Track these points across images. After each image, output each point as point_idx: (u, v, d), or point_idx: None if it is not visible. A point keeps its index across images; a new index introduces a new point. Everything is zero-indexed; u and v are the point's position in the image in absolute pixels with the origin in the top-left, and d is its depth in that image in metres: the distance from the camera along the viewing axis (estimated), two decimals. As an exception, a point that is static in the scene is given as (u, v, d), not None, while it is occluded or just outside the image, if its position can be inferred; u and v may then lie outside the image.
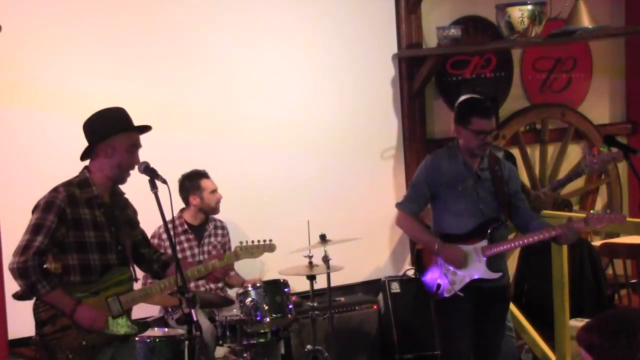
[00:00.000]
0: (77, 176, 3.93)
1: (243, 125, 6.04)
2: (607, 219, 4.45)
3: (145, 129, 4.01)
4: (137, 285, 4.08)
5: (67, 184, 3.87)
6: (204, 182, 5.53)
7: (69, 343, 3.76)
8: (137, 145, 3.96)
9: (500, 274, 4.57)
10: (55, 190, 3.85)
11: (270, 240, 4.40)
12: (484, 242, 4.53)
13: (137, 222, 4.15)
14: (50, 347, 3.77)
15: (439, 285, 4.56)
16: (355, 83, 6.43)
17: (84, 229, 3.83)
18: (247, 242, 4.31)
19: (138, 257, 4.14)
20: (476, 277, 4.52)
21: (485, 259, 4.52)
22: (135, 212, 4.14)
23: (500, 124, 6.74)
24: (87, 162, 3.95)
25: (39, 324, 3.79)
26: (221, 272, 4.18)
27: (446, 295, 4.54)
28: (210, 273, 4.14)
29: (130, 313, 4.01)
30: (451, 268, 4.54)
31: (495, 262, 4.56)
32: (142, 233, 4.19)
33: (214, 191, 5.57)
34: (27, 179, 5.18)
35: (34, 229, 3.75)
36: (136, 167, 3.92)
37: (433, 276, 4.60)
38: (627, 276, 5.87)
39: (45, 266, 3.78)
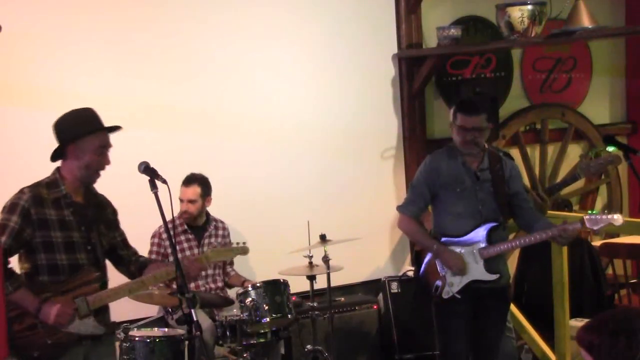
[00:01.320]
0: (47, 177, 3.95)
1: (242, 126, 6.04)
2: (604, 220, 4.44)
3: (115, 129, 3.99)
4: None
5: (35, 185, 3.89)
6: (181, 189, 5.52)
7: (35, 341, 3.78)
8: (106, 146, 3.96)
9: (498, 275, 4.56)
10: (20, 191, 3.87)
11: (244, 243, 4.45)
12: (482, 244, 4.53)
13: (117, 223, 4.16)
14: (18, 345, 3.77)
15: (437, 287, 4.56)
16: (355, 83, 6.43)
17: (50, 229, 3.84)
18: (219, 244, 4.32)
19: (116, 258, 4.15)
20: (474, 278, 4.53)
21: (482, 260, 4.52)
22: (115, 213, 4.15)
23: (500, 124, 6.75)
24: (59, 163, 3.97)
25: (8, 322, 3.73)
26: (194, 272, 4.15)
27: (445, 296, 4.55)
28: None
29: (109, 312, 4.02)
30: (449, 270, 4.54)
31: (493, 264, 4.56)
32: (122, 235, 4.19)
33: (183, 200, 5.51)
34: (26, 179, 5.17)
35: None
36: (105, 167, 3.95)
37: (432, 277, 4.60)
38: (627, 276, 5.86)
39: (9, 266, 3.79)
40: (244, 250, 4.45)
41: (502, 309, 4.78)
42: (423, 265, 4.66)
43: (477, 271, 4.53)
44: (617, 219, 4.45)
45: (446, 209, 4.61)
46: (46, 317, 3.76)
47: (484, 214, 4.56)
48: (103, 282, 4.02)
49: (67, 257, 3.87)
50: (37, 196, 3.84)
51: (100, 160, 3.94)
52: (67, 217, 3.89)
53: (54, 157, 3.97)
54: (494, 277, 4.54)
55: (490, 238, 4.53)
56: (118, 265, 4.19)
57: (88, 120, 3.93)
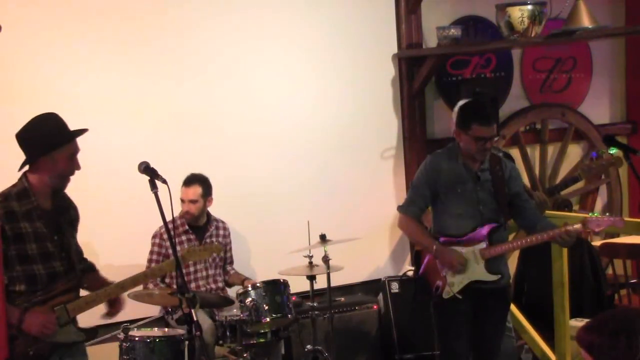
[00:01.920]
0: (14, 185, 3.86)
1: (242, 126, 6.04)
2: (605, 222, 4.45)
3: (82, 132, 3.92)
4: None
5: (5, 198, 3.80)
6: (182, 190, 5.53)
7: (16, 353, 3.71)
8: (77, 151, 3.90)
9: (499, 275, 4.57)
10: None
11: (222, 243, 4.68)
12: (483, 244, 4.53)
13: (77, 222, 4.08)
14: None
15: (437, 287, 4.56)
16: (355, 83, 6.43)
17: (25, 242, 3.78)
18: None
19: None
20: (475, 279, 4.53)
21: (484, 261, 4.52)
22: (76, 210, 4.06)
23: (500, 124, 6.74)
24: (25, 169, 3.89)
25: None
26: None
27: (445, 297, 4.55)
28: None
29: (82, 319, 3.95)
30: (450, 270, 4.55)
31: (494, 264, 4.56)
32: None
33: (184, 201, 5.52)
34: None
35: None
36: (75, 172, 3.88)
37: (432, 277, 4.60)
38: (627, 276, 5.86)
39: None
40: (217, 249, 4.58)
41: (502, 309, 4.78)
42: (423, 265, 4.66)
43: (478, 271, 4.53)
44: (619, 221, 4.47)
45: (446, 209, 4.61)
46: (30, 327, 3.72)
47: (485, 215, 4.56)
48: (80, 288, 3.98)
49: (43, 267, 3.81)
50: (9, 212, 3.76)
51: (72, 166, 3.88)
52: (40, 229, 3.83)
53: (21, 168, 3.89)
54: (495, 277, 4.55)
55: (491, 238, 4.53)
56: None
57: (58, 131, 3.86)
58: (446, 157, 4.64)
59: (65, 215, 3.97)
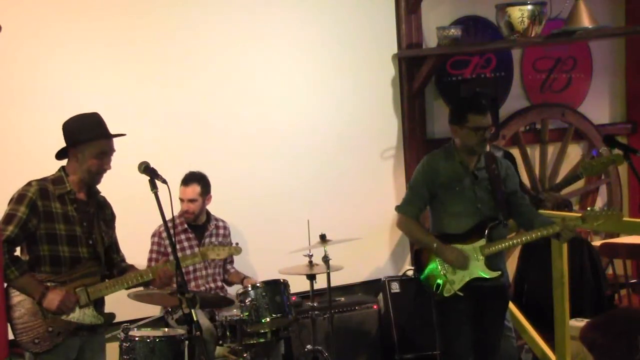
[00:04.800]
0: (52, 174, 4.11)
1: (242, 125, 6.04)
2: (603, 216, 4.51)
3: (118, 136, 4.16)
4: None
5: (42, 180, 4.07)
6: (180, 189, 5.53)
7: (35, 328, 3.92)
8: (107, 152, 4.11)
9: (500, 272, 4.58)
10: (28, 184, 4.05)
11: (237, 244, 4.64)
12: (483, 242, 4.54)
13: (114, 226, 4.31)
14: (18, 330, 3.92)
15: (438, 285, 4.57)
16: (356, 83, 6.43)
17: (54, 222, 4.00)
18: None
19: (107, 260, 4.23)
20: (475, 276, 4.54)
21: (484, 258, 4.53)
22: (113, 215, 4.31)
23: (500, 124, 6.75)
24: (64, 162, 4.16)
25: (7, 309, 3.91)
26: (165, 278, 4.20)
27: (446, 295, 4.55)
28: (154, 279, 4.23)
29: (104, 304, 4.16)
30: (450, 267, 4.55)
31: (494, 261, 4.58)
32: (115, 239, 4.33)
33: (183, 200, 5.52)
34: (28, 180, 5.18)
35: (6, 219, 3.95)
36: (105, 171, 4.11)
37: (433, 276, 4.60)
38: (627, 276, 5.86)
39: (15, 254, 3.96)
40: (236, 250, 4.61)
41: (502, 307, 4.80)
42: (423, 265, 4.66)
43: (479, 269, 4.54)
44: (617, 214, 4.50)
45: (445, 208, 4.62)
46: (50, 303, 3.91)
47: (483, 212, 4.57)
48: (103, 275, 4.15)
49: (69, 250, 4.02)
50: (43, 189, 4.00)
51: (100, 164, 4.08)
52: (71, 212, 4.04)
53: (59, 156, 4.14)
54: (495, 274, 4.56)
55: (491, 235, 4.54)
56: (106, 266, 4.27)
57: (90, 127, 4.08)
58: (443, 156, 4.65)
59: (99, 212, 4.19)
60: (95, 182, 4.14)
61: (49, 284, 3.97)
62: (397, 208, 4.74)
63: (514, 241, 4.67)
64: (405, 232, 4.92)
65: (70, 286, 4.00)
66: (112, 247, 4.27)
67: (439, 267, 4.56)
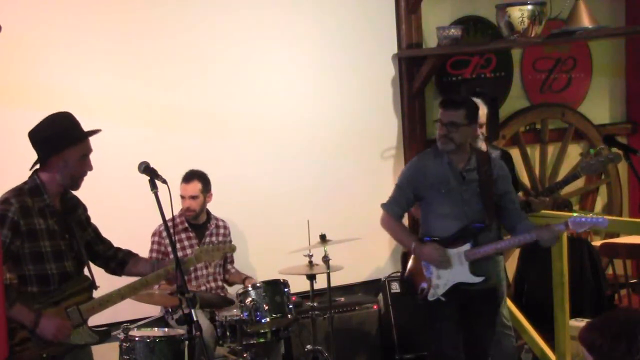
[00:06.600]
0: (26, 182, 3.83)
1: (243, 125, 6.04)
2: (588, 223, 4.40)
3: (95, 132, 3.89)
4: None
5: (18, 193, 3.77)
6: (181, 186, 5.52)
7: (28, 356, 3.67)
8: (88, 152, 3.88)
9: (483, 277, 4.52)
10: (6, 202, 3.73)
11: (230, 241, 4.43)
12: (467, 246, 4.50)
13: (88, 220, 4.06)
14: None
15: (422, 289, 4.55)
16: (356, 83, 6.43)
17: (39, 239, 3.75)
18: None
19: (93, 254, 4.05)
20: (459, 281, 4.50)
21: (468, 262, 4.49)
22: (85, 210, 4.04)
23: (500, 124, 6.75)
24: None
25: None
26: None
27: (430, 299, 4.53)
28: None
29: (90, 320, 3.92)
30: (434, 271, 4.51)
31: (479, 266, 4.52)
32: (95, 230, 4.08)
33: (185, 197, 5.52)
34: (25, 179, 5.18)
35: None
36: (87, 173, 3.86)
37: (417, 279, 4.59)
38: (627, 276, 5.86)
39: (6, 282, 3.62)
40: (231, 248, 4.48)
41: (490, 311, 4.73)
42: (408, 267, 4.66)
43: (462, 273, 4.50)
44: (602, 222, 4.41)
45: (433, 210, 4.59)
46: (45, 332, 3.67)
47: (469, 215, 4.52)
48: (93, 287, 3.93)
49: (56, 266, 3.78)
50: (24, 207, 3.73)
51: (84, 167, 3.86)
52: (52, 227, 3.80)
53: (33, 166, 3.86)
54: (478, 279, 4.51)
55: (477, 240, 4.50)
56: (95, 261, 4.08)
57: (70, 131, 3.83)
58: (432, 156, 4.63)
59: (73, 215, 3.94)
60: (77, 186, 3.89)
61: (37, 305, 3.69)
62: (383, 206, 4.71)
63: (498, 246, 4.58)
64: (387, 230, 4.83)
65: (61, 307, 3.75)
66: (95, 240, 4.05)
67: (424, 270, 4.54)
